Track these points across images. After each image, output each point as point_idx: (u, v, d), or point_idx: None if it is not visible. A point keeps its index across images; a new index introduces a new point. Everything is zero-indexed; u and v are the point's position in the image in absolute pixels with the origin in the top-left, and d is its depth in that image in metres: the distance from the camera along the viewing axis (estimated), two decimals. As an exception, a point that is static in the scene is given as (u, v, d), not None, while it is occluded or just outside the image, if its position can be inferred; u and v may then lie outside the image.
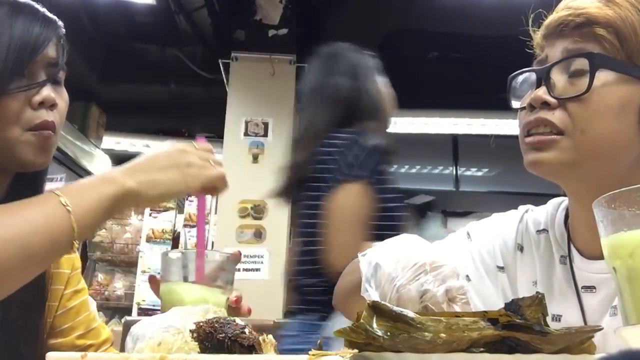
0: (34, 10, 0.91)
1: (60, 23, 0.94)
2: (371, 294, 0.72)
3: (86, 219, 0.78)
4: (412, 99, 4.71)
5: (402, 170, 5.69)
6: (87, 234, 0.77)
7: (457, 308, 0.67)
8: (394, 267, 0.72)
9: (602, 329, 0.56)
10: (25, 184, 0.92)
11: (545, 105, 0.80)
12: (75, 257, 1.08)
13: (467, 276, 0.94)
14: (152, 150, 0.87)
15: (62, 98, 0.94)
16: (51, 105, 0.90)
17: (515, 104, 0.87)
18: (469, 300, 0.71)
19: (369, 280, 0.75)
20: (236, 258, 0.89)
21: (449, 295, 0.69)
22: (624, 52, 0.77)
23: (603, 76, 0.77)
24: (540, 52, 0.87)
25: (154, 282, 0.90)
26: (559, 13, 0.82)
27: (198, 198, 0.90)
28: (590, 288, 0.83)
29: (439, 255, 0.74)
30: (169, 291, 0.82)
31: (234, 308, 0.88)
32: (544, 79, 0.81)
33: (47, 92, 0.89)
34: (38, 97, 0.88)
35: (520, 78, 0.87)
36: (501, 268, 0.94)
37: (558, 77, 0.81)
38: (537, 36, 0.87)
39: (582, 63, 0.78)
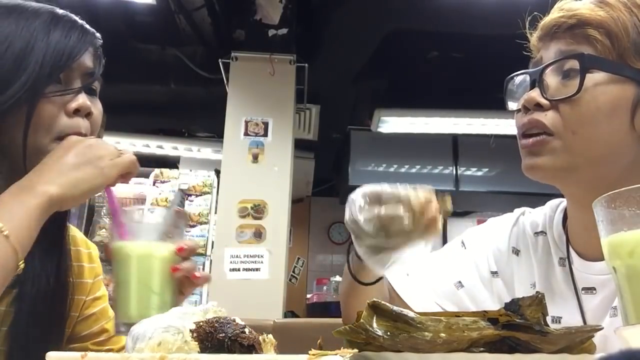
0: (72, 20, 0.94)
1: (98, 35, 0.98)
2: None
3: (24, 238, 0.77)
4: (412, 99, 4.73)
5: (402, 170, 5.69)
6: (27, 250, 0.77)
7: None
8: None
9: (602, 328, 0.56)
10: None
11: (539, 107, 0.80)
12: (97, 266, 1.09)
13: (460, 282, 0.95)
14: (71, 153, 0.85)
15: (96, 108, 0.95)
16: (87, 114, 0.90)
17: (512, 105, 0.88)
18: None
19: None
20: (180, 214, 0.90)
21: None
22: (616, 52, 0.78)
23: (594, 77, 0.78)
24: (536, 53, 0.87)
25: (107, 250, 0.90)
26: (552, 15, 0.83)
27: (106, 190, 0.88)
28: (589, 289, 0.83)
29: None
30: (113, 252, 0.85)
31: (183, 257, 0.88)
32: (537, 80, 0.81)
33: (83, 99, 0.90)
34: (74, 104, 0.89)
35: (516, 80, 0.88)
36: (495, 273, 0.95)
37: (551, 79, 0.81)
38: (533, 38, 0.87)
39: (573, 64, 0.79)
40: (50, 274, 0.93)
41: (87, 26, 0.96)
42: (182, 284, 0.89)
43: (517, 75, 0.87)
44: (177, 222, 0.88)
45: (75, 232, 1.07)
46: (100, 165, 0.83)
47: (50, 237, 0.92)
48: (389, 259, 0.82)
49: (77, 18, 0.95)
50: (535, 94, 0.81)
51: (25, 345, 0.89)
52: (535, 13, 0.86)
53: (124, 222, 0.85)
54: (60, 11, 0.93)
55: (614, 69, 0.78)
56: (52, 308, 0.93)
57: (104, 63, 0.98)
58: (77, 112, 0.89)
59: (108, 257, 0.87)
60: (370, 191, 0.81)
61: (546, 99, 0.80)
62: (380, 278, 0.93)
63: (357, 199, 0.81)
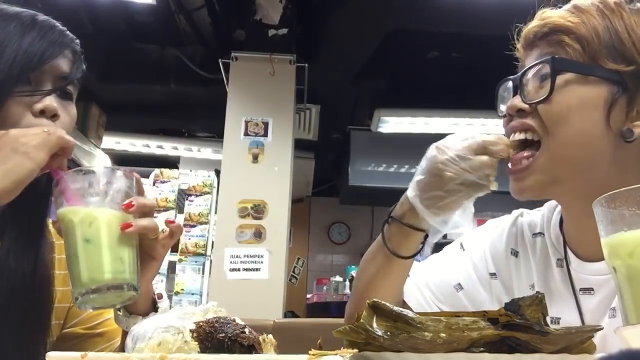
0: (51, 25, 0.94)
1: (77, 41, 0.97)
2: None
3: None
4: (412, 99, 4.72)
5: (402, 170, 5.69)
6: None
7: None
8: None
9: (602, 328, 0.56)
10: (31, 188, 0.89)
11: (521, 112, 0.85)
12: None
13: (459, 284, 0.95)
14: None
15: (67, 112, 0.95)
16: (53, 116, 0.90)
17: (503, 109, 0.91)
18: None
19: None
20: (126, 174, 0.85)
21: None
22: (587, 54, 0.81)
23: (564, 78, 0.81)
24: (522, 61, 0.91)
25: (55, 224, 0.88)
26: (531, 24, 0.88)
27: (54, 174, 0.83)
28: (588, 290, 0.83)
29: None
30: (62, 217, 0.80)
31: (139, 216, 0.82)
32: (518, 86, 0.86)
33: (49, 101, 0.90)
34: (39, 105, 0.89)
35: (504, 86, 0.91)
36: (493, 274, 0.95)
37: (530, 84, 0.85)
38: (518, 46, 0.92)
39: (547, 68, 0.82)
40: (27, 268, 0.92)
41: (68, 32, 0.96)
42: (150, 247, 0.86)
43: (505, 81, 0.91)
44: (120, 182, 0.82)
45: None
46: (25, 150, 0.80)
47: (28, 232, 0.93)
48: (453, 208, 0.88)
49: (58, 23, 0.95)
50: (516, 100, 0.85)
51: (2, 337, 0.88)
52: (519, 25, 0.91)
53: (66, 188, 0.81)
54: (42, 17, 0.94)
55: (584, 70, 0.81)
56: (30, 301, 0.92)
57: (83, 69, 0.97)
58: (43, 113, 0.89)
59: (57, 230, 0.84)
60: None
61: (525, 102, 0.84)
62: (417, 252, 0.93)
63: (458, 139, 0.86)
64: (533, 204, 0.98)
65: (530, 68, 0.85)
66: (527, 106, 0.84)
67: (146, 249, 0.85)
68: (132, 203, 0.81)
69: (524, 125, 0.84)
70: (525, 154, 0.84)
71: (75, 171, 0.82)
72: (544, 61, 0.83)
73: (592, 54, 0.81)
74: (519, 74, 0.87)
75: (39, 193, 0.93)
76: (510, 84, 0.88)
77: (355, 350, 0.52)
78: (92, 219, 0.78)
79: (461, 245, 1.02)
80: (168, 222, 0.89)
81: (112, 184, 0.82)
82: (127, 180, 0.83)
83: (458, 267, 0.98)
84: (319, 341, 0.55)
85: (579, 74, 0.81)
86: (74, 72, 0.95)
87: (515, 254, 0.95)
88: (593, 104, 0.80)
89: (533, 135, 0.84)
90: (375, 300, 0.53)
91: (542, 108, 0.82)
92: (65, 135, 0.83)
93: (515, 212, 1.01)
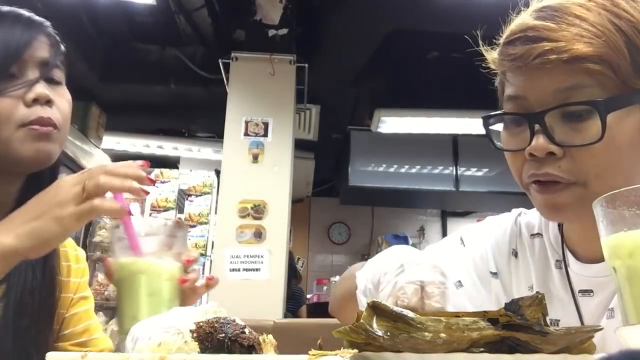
0: (17, 14, 0.93)
1: (48, 23, 0.95)
2: (363, 303, 0.74)
3: None
4: (412, 99, 4.72)
5: (402, 170, 5.69)
6: None
7: (432, 303, 0.66)
8: (380, 273, 0.73)
9: (602, 328, 0.56)
10: (36, 187, 0.90)
11: (550, 154, 0.75)
12: (84, 268, 1.10)
13: (460, 282, 0.94)
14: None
15: (62, 97, 0.94)
16: (47, 102, 0.90)
17: (509, 142, 0.81)
18: (447, 296, 0.68)
19: (364, 291, 0.76)
20: (180, 224, 0.89)
21: (424, 289, 0.68)
22: (619, 80, 0.72)
23: (609, 119, 0.72)
24: (502, 75, 0.82)
25: (106, 264, 0.89)
26: (524, 45, 0.75)
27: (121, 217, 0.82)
28: (587, 292, 0.82)
29: (421, 256, 0.73)
30: (119, 267, 0.83)
31: (189, 271, 0.89)
32: (539, 125, 0.75)
33: (40, 89, 0.89)
34: (31, 95, 0.88)
35: (503, 119, 0.82)
36: (494, 274, 0.94)
37: (553, 121, 0.75)
38: (496, 61, 0.82)
39: (581, 107, 0.73)
40: (37, 269, 0.94)
41: (35, 17, 0.94)
42: (185, 294, 0.89)
43: (503, 115, 0.81)
44: (177, 233, 0.88)
45: None
46: (59, 214, 0.77)
47: None
48: None
49: (22, 11, 0.94)
50: (543, 141, 0.74)
51: (15, 336, 0.89)
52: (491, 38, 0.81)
53: (133, 235, 0.83)
54: (5, 8, 0.93)
55: (625, 102, 0.73)
56: (40, 301, 0.94)
57: (63, 50, 0.95)
58: (36, 101, 0.88)
59: (108, 274, 0.86)
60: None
61: (559, 145, 0.74)
62: None
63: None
64: (531, 204, 0.98)
65: (559, 107, 0.74)
66: (560, 149, 0.74)
67: (183, 293, 0.89)
68: (191, 260, 0.88)
69: (550, 176, 0.75)
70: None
71: (141, 220, 0.84)
72: (587, 103, 0.72)
73: (624, 78, 0.72)
74: (542, 111, 0.74)
75: None
76: (514, 118, 0.78)
77: (355, 351, 0.52)
78: (159, 274, 0.82)
79: (461, 240, 1.00)
80: (208, 279, 0.93)
81: (175, 238, 0.86)
82: (185, 232, 0.89)
83: (458, 264, 0.96)
84: (319, 341, 0.55)
85: (622, 109, 0.73)
86: (54, 55, 0.93)
87: (515, 254, 0.94)
88: (637, 136, 0.74)
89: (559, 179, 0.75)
90: (375, 300, 0.53)
91: (584, 152, 0.73)
92: (104, 205, 0.78)
93: (515, 211, 0.99)
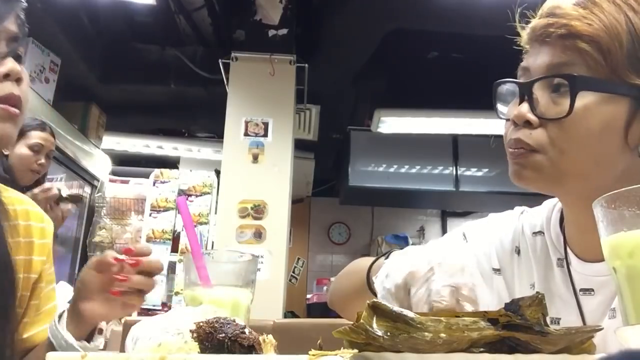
0: None
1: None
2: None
3: None
4: (412, 99, 4.72)
5: (402, 170, 5.69)
6: None
7: (466, 306, 0.66)
8: (404, 276, 0.71)
9: (602, 328, 0.56)
10: None
11: (527, 123, 0.79)
12: (49, 242, 1.03)
13: None
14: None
15: (25, 75, 0.91)
16: (17, 80, 0.88)
17: (502, 107, 0.86)
18: (479, 297, 0.68)
19: (386, 297, 0.73)
20: (256, 260, 0.88)
21: (459, 292, 0.67)
22: (608, 66, 0.74)
23: (584, 97, 0.75)
24: (525, 52, 0.85)
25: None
26: (542, 20, 0.80)
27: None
28: (588, 291, 0.82)
29: (448, 254, 0.72)
30: (191, 298, 0.82)
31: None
32: (527, 94, 0.79)
33: (12, 64, 0.87)
34: (3, 69, 0.86)
35: (505, 86, 0.85)
36: (497, 270, 0.94)
37: (541, 93, 0.79)
38: (524, 36, 0.85)
39: (564, 80, 0.76)
40: None
41: None
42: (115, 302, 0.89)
43: (507, 82, 0.85)
44: (254, 268, 0.87)
45: (27, 205, 1.02)
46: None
47: None
48: None
49: None
50: (525, 109, 0.78)
51: None
52: (526, 11, 0.84)
53: (205, 266, 0.82)
54: None
55: (606, 88, 0.74)
56: None
57: (27, 28, 0.93)
58: (7, 77, 0.86)
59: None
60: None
61: (536, 115, 0.78)
62: None
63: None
64: (534, 202, 0.98)
65: (542, 78, 0.78)
66: (536, 119, 0.78)
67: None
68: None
69: (522, 144, 0.78)
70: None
71: (216, 251, 0.84)
72: (562, 76, 0.75)
73: (614, 66, 0.74)
74: (530, 81, 0.79)
75: None
76: (515, 87, 0.82)
77: (355, 351, 0.52)
78: (236, 306, 0.81)
79: (464, 235, 1.00)
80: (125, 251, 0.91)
81: (246, 270, 0.86)
82: (255, 265, 0.89)
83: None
84: (319, 341, 0.55)
85: (601, 93, 0.74)
86: (23, 31, 0.91)
87: (518, 251, 0.94)
88: (613, 126, 0.75)
89: (526, 153, 0.79)
90: (375, 300, 0.53)
91: (555, 126, 0.76)
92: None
93: (518, 209, 0.99)
